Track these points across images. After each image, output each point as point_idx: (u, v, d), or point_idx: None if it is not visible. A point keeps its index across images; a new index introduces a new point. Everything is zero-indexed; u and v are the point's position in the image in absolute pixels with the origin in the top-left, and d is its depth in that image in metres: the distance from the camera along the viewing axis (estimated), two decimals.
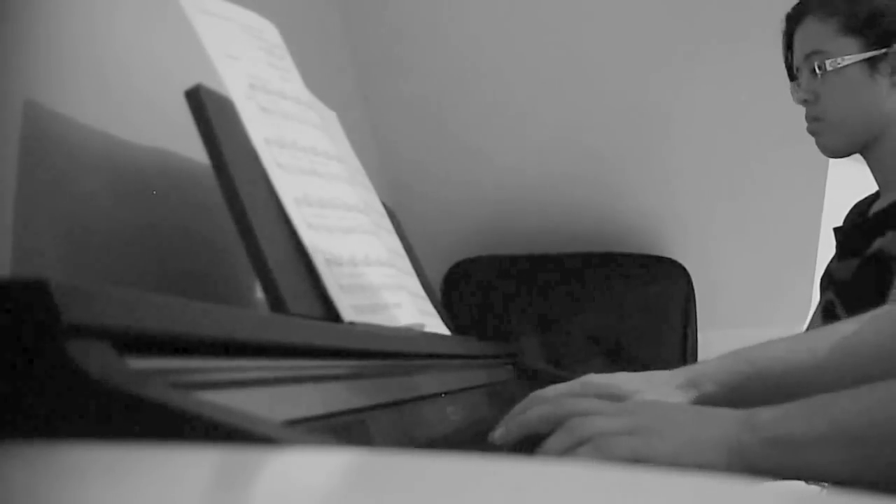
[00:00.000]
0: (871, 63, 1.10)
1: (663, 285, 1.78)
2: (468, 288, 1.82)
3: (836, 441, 0.56)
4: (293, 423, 0.48)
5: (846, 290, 1.12)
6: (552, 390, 0.78)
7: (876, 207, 1.17)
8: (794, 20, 1.19)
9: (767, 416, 0.60)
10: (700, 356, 1.75)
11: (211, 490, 0.28)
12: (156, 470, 0.29)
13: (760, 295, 1.91)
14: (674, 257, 1.82)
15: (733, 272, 1.88)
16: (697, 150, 1.72)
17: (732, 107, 1.63)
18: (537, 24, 1.55)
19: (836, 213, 1.34)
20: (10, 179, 0.64)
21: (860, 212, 1.23)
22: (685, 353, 1.74)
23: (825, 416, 0.58)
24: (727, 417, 0.61)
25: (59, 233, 0.69)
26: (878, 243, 1.09)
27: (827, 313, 1.18)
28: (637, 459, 0.58)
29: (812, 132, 1.16)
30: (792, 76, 1.21)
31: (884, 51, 1.09)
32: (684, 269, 1.80)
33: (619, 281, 1.79)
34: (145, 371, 0.38)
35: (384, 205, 1.09)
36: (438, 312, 1.12)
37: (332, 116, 1.01)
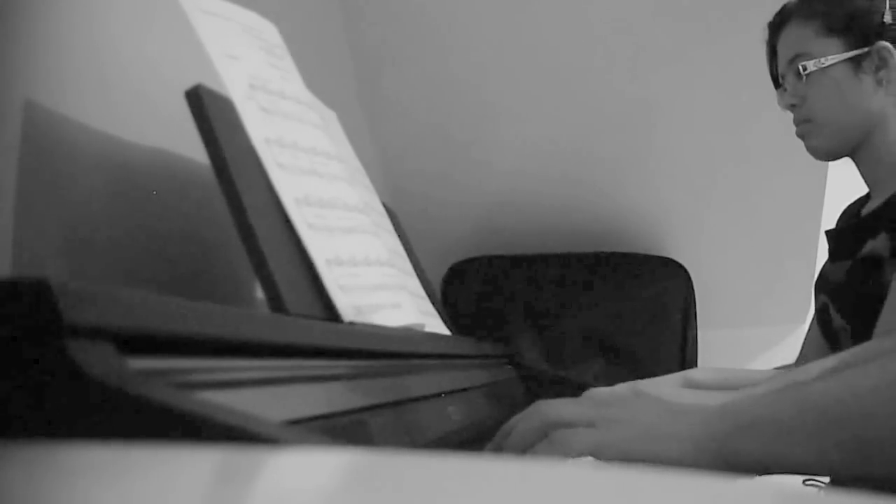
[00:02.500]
0: (855, 62, 1.10)
1: (663, 285, 1.78)
2: (467, 288, 1.82)
3: (805, 422, 0.55)
4: (293, 423, 0.48)
5: (839, 293, 1.12)
6: (600, 392, 0.79)
7: (867, 209, 1.17)
8: (775, 27, 1.19)
9: (738, 405, 0.59)
10: (700, 356, 1.75)
11: (211, 490, 0.28)
12: (156, 470, 0.29)
13: (760, 295, 1.91)
14: (674, 257, 1.82)
15: (733, 272, 1.88)
16: (698, 150, 1.72)
17: (733, 106, 1.63)
18: (537, 26, 1.55)
19: (836, 213, 1.34)
20: (10, 179, 0.64)
21: (852, 214, 1.23)
22: (685, 352, 1.74)
23: (795, 398, 0.57)
24: (696, 411, 0.60)
25: (59, 233, 0.69)
26: (869, 245, 1.09)
27: (821, 316, 1.18)
28: (592, 452, 0.57)
29: (801, 135, 1.16)
30: (777, 84, 1.21)
31: (866, 49, 1.09)
32: (684, 269, 1.80)
33: (619, 281, 1.79)
34: (146, 371, 0.38)
35: (384, 205, 1.09)
36: (438, 312, 1.12)
37: (332, 116, 1.01)
